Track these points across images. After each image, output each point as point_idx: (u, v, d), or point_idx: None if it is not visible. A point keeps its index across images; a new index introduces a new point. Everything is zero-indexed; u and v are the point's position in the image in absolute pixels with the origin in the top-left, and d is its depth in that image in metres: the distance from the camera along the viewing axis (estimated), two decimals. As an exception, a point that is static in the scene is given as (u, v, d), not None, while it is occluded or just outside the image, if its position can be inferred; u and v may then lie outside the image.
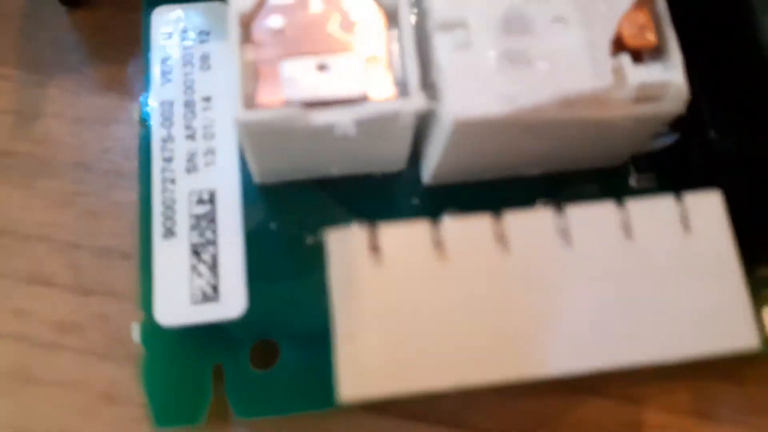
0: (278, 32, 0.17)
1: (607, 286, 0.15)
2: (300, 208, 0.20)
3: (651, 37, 0.17)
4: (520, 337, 0.14)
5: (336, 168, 0.19)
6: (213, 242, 0.19)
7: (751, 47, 0.17)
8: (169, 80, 0.20)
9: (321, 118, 0.16)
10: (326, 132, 0.16)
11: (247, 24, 0.17)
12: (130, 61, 0.23)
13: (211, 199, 0.19)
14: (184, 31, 0.21)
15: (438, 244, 0.15)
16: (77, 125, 0.22)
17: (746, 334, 0.15)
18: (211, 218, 0.19)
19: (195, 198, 0.19)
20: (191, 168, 0.20)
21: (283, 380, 0.18)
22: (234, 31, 0.16)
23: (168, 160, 0.20)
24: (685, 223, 0.16)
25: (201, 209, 0.19)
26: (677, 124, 0.20)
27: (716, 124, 0.19)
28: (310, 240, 0.19)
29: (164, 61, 0.20)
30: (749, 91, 0.18)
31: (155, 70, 0.20)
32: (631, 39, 0.17)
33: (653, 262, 0.15)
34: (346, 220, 0.19)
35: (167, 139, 0.20)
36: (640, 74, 0.17)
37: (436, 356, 0.14)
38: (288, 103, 0.16)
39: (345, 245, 0.15)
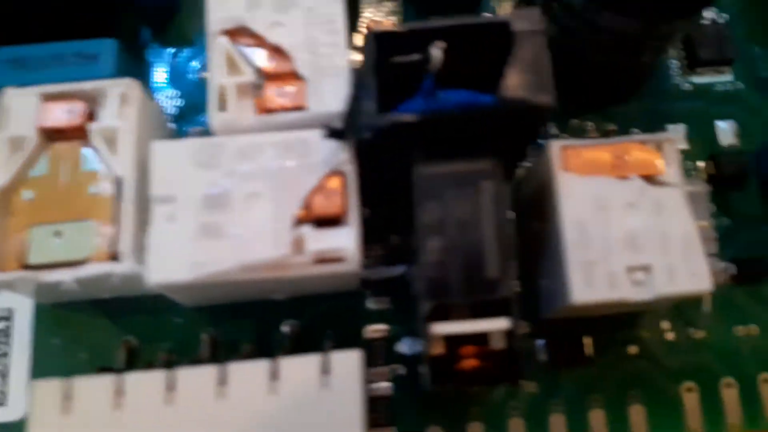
0: (29, 203, 0.21)
1: None
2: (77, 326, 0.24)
3: (337, 207, 0.21)
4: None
5: (107, 294, 0.23)
6: (6, 354, 0.23)
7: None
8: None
9: (48, 277, 0.20)
10: (55, 287, 0.20)
11: (6, 196, 0.21)
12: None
13: (8, 317, 0.24)
14: None
15: (118, 393, 0.19)
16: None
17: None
18: (7, 333, 0.24)
19: (-4, 316, 0.24)
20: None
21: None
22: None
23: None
24: (325, 379, 0.19)
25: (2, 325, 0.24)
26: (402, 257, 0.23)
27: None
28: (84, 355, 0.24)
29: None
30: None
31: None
32: (319, 208, 0.21)
33: (292, 416, 0.19)
34: (119, 337, 0.23)
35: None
36: (317, 243, 0.20)
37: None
38: (27, 267, 0.20)
39: (43, 394, 0.19)
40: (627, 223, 0.21)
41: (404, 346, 0.24)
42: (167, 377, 0.19)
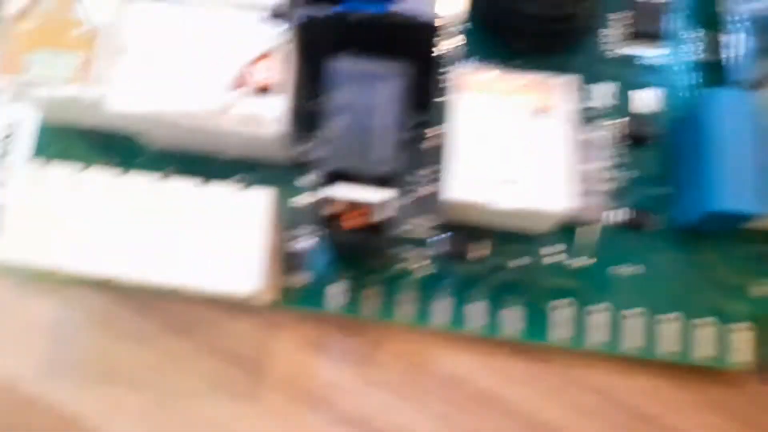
0: (31, 30, 0.26)
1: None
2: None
3: (269, 80, 0.25)
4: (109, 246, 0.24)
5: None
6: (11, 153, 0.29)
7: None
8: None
9: (36, 91, 0.25)
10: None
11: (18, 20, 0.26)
12: None
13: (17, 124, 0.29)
14: None
15: (76, 184, 0.24)
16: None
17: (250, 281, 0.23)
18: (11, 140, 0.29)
19: (5, 126, 0.30)
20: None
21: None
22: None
23: None
24: (238, 203, 0.24)
25: (9, 131, 0.29)
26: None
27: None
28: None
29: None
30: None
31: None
32: (257, 76, 0.25)
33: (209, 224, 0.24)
34: (99, 161, 0.28)
35: None
36: (245, 107, 0.25)
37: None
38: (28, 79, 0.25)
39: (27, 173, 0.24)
40: (507, 142, 0.24)
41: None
42: (117, 177, 0.24)
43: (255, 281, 0.23)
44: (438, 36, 0.23)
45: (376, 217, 0.24)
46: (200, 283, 0.23)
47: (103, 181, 0.24)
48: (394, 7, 0.22)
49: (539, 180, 0.24)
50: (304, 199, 0.29)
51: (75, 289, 0.29)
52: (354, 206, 0.23)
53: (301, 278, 0.28)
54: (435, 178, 0.28)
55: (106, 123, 0.27)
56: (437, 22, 0.21)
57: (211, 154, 0.28)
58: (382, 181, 0.23)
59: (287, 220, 0.28)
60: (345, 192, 0.23)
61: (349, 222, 0.24)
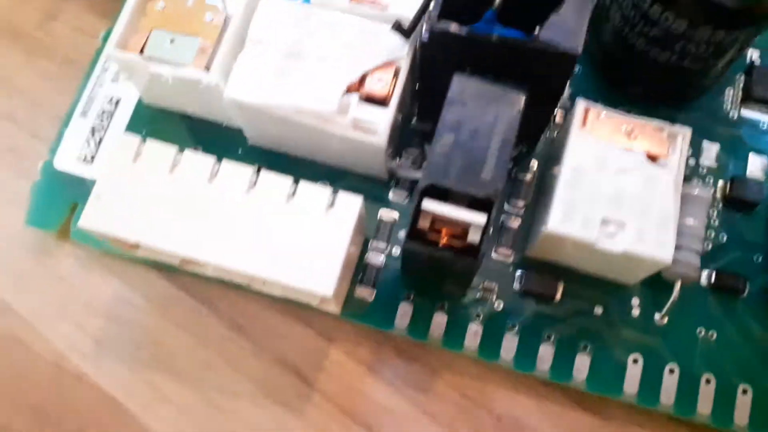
0: (160, 11, 0.26)
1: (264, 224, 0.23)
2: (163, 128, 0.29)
3: (382, 91, 0.25)
4: (199, 230, 0.23)
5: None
6: (105, 129, 0.29)
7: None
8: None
9: (155, 68, 0.25)
10: (157, 78, 0.26)
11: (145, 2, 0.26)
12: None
13: (116, 103, 0.30)
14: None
15: (174, 165, 0.24)
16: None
17: (326, 285, 0.23)
18: (110, 115, 0.30)
19: (107, 100, 0.30)
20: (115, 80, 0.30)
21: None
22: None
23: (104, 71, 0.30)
24: (330, 206, 0.24)
25: (108, 107, 0.30)
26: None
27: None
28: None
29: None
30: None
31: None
32: (370, 86, 0.25)
33: (295, 221, 0.23)
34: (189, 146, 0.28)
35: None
36: (358, 111, 0.25)
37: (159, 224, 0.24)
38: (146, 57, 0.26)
39: (123, 144, 0.24)
40: (617, 184, 0.24)
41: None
42: (214, 164, 0.24)
43: (331, 284, 0.23)
44: (573, 70, 0.23)
45: (470, 239, 0.23)
46: (277, 276, 0.23)
47: (196, 164, 0.24)
48: (542, 35, 0.21)
49: (645, 227, 0.23)
50: (389, 214, 0.28)
51: (141, 271, 0.29)
52: (449, 224, 0.23)
53: (369, 292, 0.28)
54: (526, 212, 0.28)
55: (212, 112, 0.28)
56: (577, 55, 0.21)
57: (307, 158, 0.28)
58: (481, 204, 0.23)
59: (367, 232, 0.28)
60: (443, 209, 0.23)
61: (442, 240, 0.23)
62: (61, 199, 0.29)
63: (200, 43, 0.26)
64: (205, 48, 0.26)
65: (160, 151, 0.24)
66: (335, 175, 0.29)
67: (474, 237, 0.23)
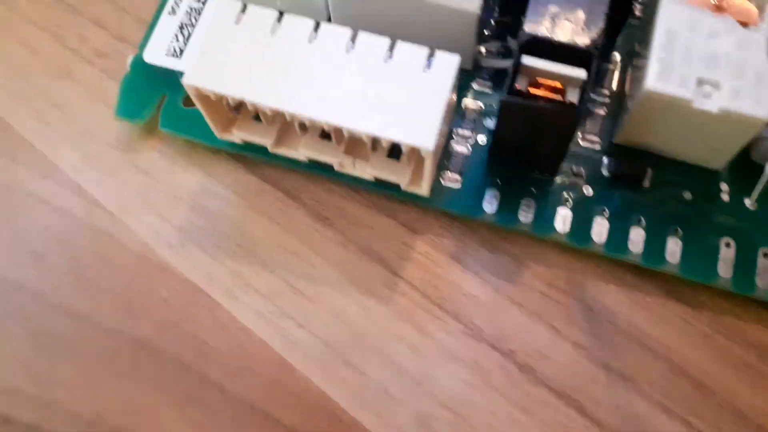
0: None
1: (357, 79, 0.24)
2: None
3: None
4: (301, 88, 0.24)
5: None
6: (193, 26, 0.30)
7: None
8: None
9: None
10: None
11: None
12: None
13: (205, 1, 0.30)
14: None
15: (275, 27, 0.24)
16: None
17: (426, 139, 0.23)
18: (199, 12, 0.30)
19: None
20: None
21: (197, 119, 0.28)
22: None
23: (193, -26, 0.31)
24: (427, 66, 0.24)
25: (196, 4, 0.30)
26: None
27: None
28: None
29: None
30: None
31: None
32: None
33: (389, 88, 0.23)
34: None
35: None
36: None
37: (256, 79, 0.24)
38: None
39: (224, 7, 0.25)
40: (711, 46, 0.24)
41: (490, 123, 0.28)
42: (314, 27, 0.24)
43: (432, 136, 0.23)
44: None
45: (568, 97, 0.23)
46: (376, 130, 0.23)
47: (296, 27, 0.24)
48: None
49: (741, 86, 0.23)
50: (474, 103, 0.29)
51: (228, 165, 0.29)
52: (550, 78, 0.23)
53: (456, 179, 0.28)
54: (611, 101, 0.28)
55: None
56: None
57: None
58: (580, 59, 0.23)
59: (454, 120, 0.28)
60: (543, 63, 0.23)
61: (542, 95, 0.23)
62: (151, 90, 0.29)
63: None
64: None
65: (261, 14, 0.25)
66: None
67: (573, 95, 0.23)
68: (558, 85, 0.23)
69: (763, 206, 0.27)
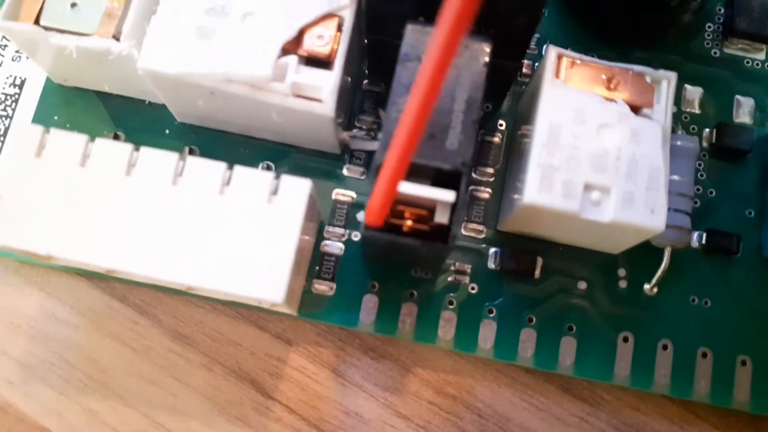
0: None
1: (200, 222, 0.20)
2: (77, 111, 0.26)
3: (325, 49, 0.21)
4: (120, 235, 0.20)
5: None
6: (10, 117, 0.25)
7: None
8: None
9: (55, 39, 0.22)
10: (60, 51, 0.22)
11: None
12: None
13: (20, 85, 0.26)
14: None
15: (85, 157, 0.20)
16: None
17: (276, 291, 0.19)
18: (15, 100, 0.26)
19: (9, 82, 0.26)
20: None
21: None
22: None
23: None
24: (273, 193, 0.20)
25: (11, 90, 0.26)
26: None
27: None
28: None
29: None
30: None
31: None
32: (309, 45, 0.21)
33: (234, 220, 0.20)
34: (110, 130, 0.25)
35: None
36: (299, 75, 0.21)
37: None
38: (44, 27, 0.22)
39: (22, 137, 0.20)
40: (599, 142, 0.21)
41: (363, 216, 0.25)
42: (132, 152, 0.20)
43: (281, 289, 0.19)
44: (541, 14, 0.20)
45: (438, 219, 0.20)
46: (216, 285, 0.19)
47: (111, 154, 0.20)
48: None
49: (634, 190, 0.21)
50: (345, 194, 0.25)
51: (67, 281, 0.26)
52: (413, 204, 0.20)
53: (328, 286, 0.24)
54: (496, 180, 0.25)
55: (131, 87, 0.24)
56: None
57: (245, 135, 0.25)
58: (448, 177, 0.20)
59: (321, 217, 0.25)
60: (405, 188, 0.20)
61: (406, 224, 0.20)
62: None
63: (107, 6, 0.22)
64: (113, 12, 0.22)
65: (68, 141, 0.20)
66: (280, 153, 0.25)
67: (442, 217, 0.20)
68: (422, 213, 0.20)
69: (662, 291, 0.25)
